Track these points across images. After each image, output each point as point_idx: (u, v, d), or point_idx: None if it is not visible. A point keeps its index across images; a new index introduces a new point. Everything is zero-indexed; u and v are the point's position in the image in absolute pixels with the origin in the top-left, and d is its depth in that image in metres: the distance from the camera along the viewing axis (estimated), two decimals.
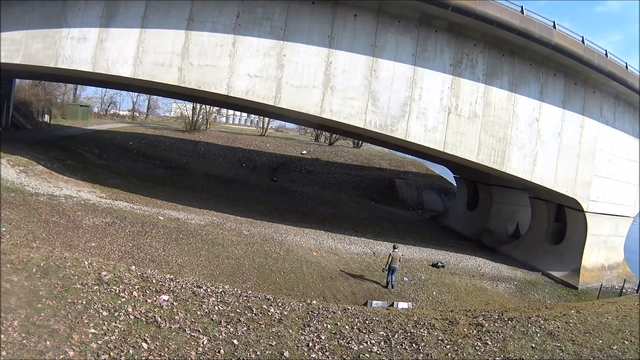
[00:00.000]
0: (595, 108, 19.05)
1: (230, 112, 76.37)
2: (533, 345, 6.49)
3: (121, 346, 5.01)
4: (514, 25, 15.50)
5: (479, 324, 7.24)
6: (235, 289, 8.10)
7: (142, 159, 30.60)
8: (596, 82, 18.59)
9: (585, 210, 18.86)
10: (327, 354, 5.78)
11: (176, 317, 6.00)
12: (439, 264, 17.33)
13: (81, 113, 43.16)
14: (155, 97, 55.41)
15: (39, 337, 4.73)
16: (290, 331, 6.27)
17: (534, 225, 22.16)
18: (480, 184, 26.04)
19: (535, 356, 6.15)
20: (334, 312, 7.38)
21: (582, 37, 17.09)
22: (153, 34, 14.49)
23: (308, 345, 5.94)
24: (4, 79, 25.17)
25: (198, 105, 43.59)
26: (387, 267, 13.98)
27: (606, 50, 17.73)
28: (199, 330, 5.75)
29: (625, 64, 18.37)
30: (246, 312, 6.65)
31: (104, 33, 14.38)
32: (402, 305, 11.71)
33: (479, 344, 6.46)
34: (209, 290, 7.32)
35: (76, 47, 14.40)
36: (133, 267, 8.03)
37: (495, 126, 17.02)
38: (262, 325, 6.27)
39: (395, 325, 7.03)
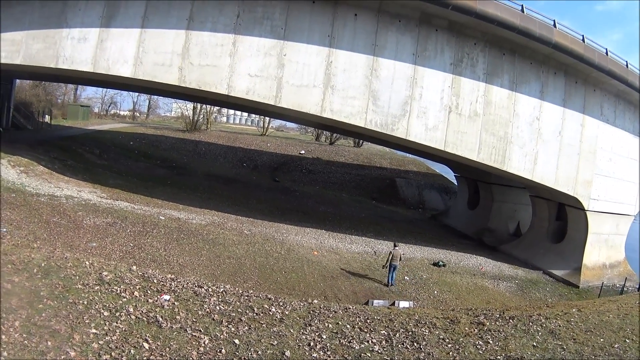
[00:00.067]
0: (595, 106, 19.04)
1: (231, 111, 76.24)
2: (534, 343, 6.49)
3: (122, 346, 5.01)
4: (515, 24, 15.49)
5: (480, 323, 7.24)
6: (237, 289, 8.09)
7: (143, 159, 30.60)
8: (597, 81, 18.57)
9: (586, 208, 18.86)
10: (329, 353, 5.78)
11: (177, 317, 5.99)
12: (440, 262, 17.34)
13: (82, 113, 43.16)
14: (155, 97, 55.48)
15: (40, 338, 4.73)
16: (292, 330, 6.26)
17: (535, 223, 22.16)
18: (481, 182, 26.01)
19: (537, 355, 6.14)
20: (335, 312, 7.37)
21: (583, 35, 17.07)
22: (153, 34, 14.50)
23: (309, 344, 5.94)
24: (5, 79, 25.18)
25: (199, 105, 43.54)
26: (388, 264, 14.05)
27: (606, 49, 17.72)
28: (200, 330, 5.75)
29: (625, 63, 18.36)
30: (247, 311, 6.65)
31: (104, 33, 14.39)
32: (404, 304, 11.71)
33: (480, 342, 6.45)
34: (210, 290, 7.32)
35: (76, 47, 14.42)
36: (134, 267, 8.03)
37: (495, 125, 17.00)
38: (264, 325, 6.26)
39: (397, 324, 7.03)
